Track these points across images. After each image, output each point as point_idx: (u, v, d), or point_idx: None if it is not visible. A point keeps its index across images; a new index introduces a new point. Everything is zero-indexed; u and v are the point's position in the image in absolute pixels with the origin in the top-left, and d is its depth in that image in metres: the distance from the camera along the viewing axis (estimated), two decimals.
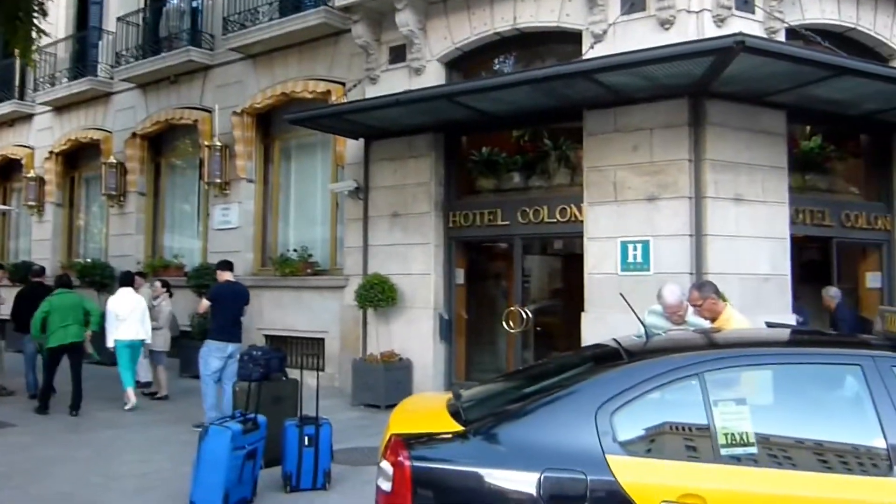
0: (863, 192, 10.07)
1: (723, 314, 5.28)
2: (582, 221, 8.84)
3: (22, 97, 17.39)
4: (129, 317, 9.78)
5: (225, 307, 8.38)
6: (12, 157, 17.46)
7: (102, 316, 9.79)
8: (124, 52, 14.49)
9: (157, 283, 11.17)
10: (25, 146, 17.30)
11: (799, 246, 9.06)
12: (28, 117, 17.36)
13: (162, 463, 6.88)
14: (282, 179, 12.69)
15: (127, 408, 9.53)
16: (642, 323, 5.32)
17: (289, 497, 5.87)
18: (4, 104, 17.43)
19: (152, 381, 10.72)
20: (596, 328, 8.50)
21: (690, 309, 5.53)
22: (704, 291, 5.34)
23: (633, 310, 4.30)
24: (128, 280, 10.30)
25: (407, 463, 3.01)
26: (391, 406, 9.51)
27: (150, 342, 10.11)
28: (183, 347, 12.08)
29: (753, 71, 7.28)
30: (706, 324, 5.42)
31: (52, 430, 8.27)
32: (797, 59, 6.77)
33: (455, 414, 3.38)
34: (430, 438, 3.18)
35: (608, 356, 3.67)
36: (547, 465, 2.90)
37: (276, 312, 11.93)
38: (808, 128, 9.41)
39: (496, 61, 10.20)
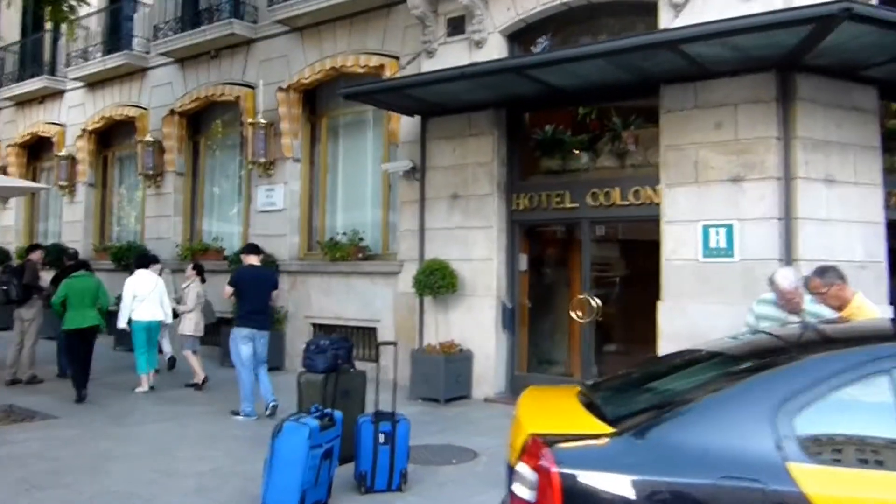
0: None
1: (852, 302, 5.17)
2: (658, 204, 8.81)
3: (53, 73, 17.67)
4: (147, 297, 10.18)
5: (249, 292, 8.57)
6: (43, 134, 17.79)
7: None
8: (162, 25, 14.66)
9: (189, 267, 11.37)
10: (56, 123, 17.62)
11: (892, 231, 8.92)
12: (59, 94, 17.65)
13: (219, 459, 6.97)
14: (329, 159, 12.78)
15: (137, 390, 10.04)
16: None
17: (364, 498, 5.88)
18: (34, 80, 17.76)
19: (173, 354, 11.27)
20: (674, 318, 8.51)
21: (807, 296, 5.43)
22: (828, 277, 5.25)
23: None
24: (146, 261, 10.77)
25: (554, 469, 2.90)
26: (451, 400, 9.81)
27: (169, 322, 10.56)
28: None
29: (851, 42, 7.17)
30: (828, 312, 5.32)
31: (98, 423, 8.42)
32: None
33: (594, 411, 3.35)
34: (577, 440, 3.09)
35: (770, 350, 3.57)
36: (721, 473, 2.79)
37: (324, 300, 12.06)
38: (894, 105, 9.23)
39: (561, 34, 10.13)
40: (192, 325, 10.67)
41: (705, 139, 8.40)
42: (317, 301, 12.12)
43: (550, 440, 3.04)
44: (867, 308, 5.19)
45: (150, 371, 10.33)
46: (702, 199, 8.43)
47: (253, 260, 8.93)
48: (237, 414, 8.66)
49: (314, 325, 12.20)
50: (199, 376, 10.56)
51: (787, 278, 5.46)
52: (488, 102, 9.90)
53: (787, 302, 5.43)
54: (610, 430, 3.07)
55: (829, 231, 8.16)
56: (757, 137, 8.11)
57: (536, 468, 2.95)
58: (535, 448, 3.02)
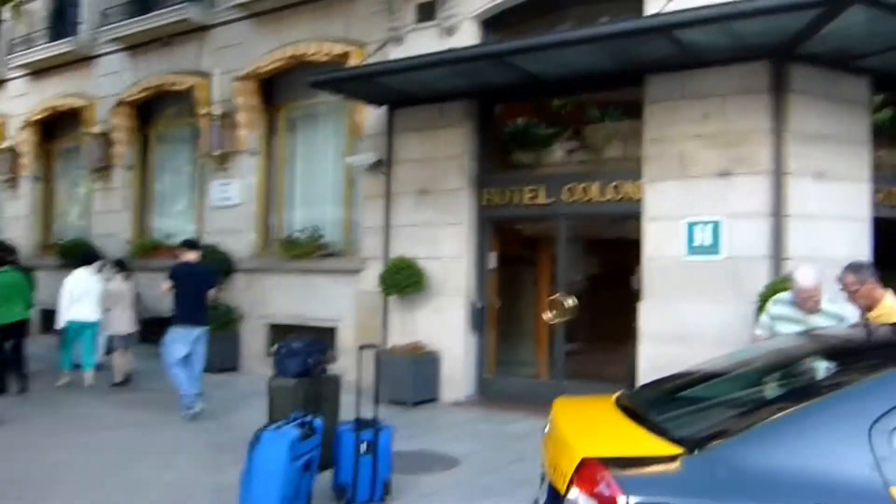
0: None
1: (883, 302, 4.68)
2: (639, 200, 8.22)
3: None
4: (83, 296, 9.75)
5: (187, 289, 8.21)
6: None
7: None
8: (110, 11, 13.65)
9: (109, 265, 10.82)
10: None
11: (877, 229, 8.46)
12: (0, 83, 16.41)
13: (186, 471, 6.21)
14: (288, 152, 11.95)
15: (58, 384, 9.75)
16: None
17: None
18: None
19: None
20: (656, 319, 7.95)
21: (825, 295, 4.91)
22: (862, 274, 4.75)
23: None
24: (84, 260, 10.37)
25: (621, 498, 2.33)
26: (419, 403, 9.09)
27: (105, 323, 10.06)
28: None
29: (852, 29, 6.66)
30: (849, 313, 4.84)
31: (52, 430, 7.60)
32: None
33: (651, 428, 2.74)
34: (643, 465, 2.50)
35: (844, 355, 2.98)
36: (813, 499, 2.28)
37: (281, 299, 11.23)
38: (883, 97, 8.75)
39: (538, 21, 9.47)
40: (116, 322, 10.11)
41: (692, 131, 7.84)
42: (274, 300, 11.27)
43: (611, 464, 2.47)
44: None
45: (90, 370, 9.92)
46: (687, 195, 7.86)
47: (190, 256, 8.53)
48: (191, 409, 8.15)
49: (271, 325, 11.37)
50: (119, 376, 10.07)
51: (807, 276, 4.94)
52: (461, 92, 9.20)
53: (806, 301, 4.93)
54: (678, 450, 2.50)
55: (817, 228, 7.67)
56: (747, 130, 7.57)
57: (596, 496, 2.40)
58: (593, 473, 2.45)
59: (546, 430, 3.32)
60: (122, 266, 10.66)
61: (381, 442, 5.30)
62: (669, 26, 6.71)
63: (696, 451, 2.44)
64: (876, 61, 7.63)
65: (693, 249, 7.81)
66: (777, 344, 3.55)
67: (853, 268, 4.92)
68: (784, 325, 5.05)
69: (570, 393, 8.66)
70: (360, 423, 5.35)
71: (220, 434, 7.41)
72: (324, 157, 11.55)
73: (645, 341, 8.03)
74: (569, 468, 2.56)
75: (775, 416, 2.49)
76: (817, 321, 4.90)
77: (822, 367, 2.96)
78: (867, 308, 4.82)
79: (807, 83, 7.61)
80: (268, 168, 12.03)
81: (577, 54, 7.61)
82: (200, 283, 8.41)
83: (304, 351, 6.04)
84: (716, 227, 7.69)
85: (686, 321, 7.79)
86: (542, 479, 3.35)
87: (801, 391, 2.74)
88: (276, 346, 6.42)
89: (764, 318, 5.33)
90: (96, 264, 10.58)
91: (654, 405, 3.09)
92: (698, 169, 7.80)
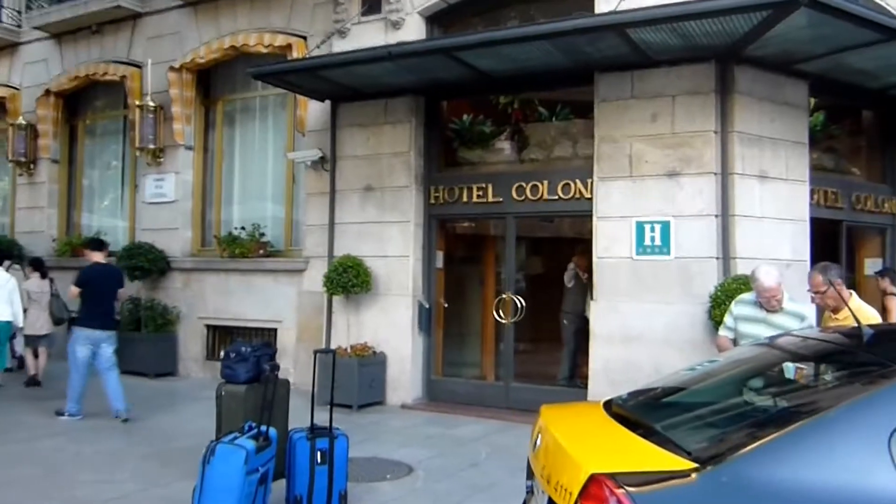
0: (868, 172, 9.80)
1: (850, 303, 4.72)
2: (589, 199, 8.23)
3: None
4: None
5: (95, 292, 8.01)
6: None
7: None
8: None
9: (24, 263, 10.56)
10: None
11: (814, 229, 8.68)
12: None
13: (126, 484, 5.89)
14: (226, 147, 11.61)
15: None
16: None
17: None
18: None
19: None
20: (607, 318, 7.97)
21: (786, 294, 4.98)
22: (830, 275, 4.79)
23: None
24: None
25: None
26: (365, 406, 8.92)
27: (20, 323, 9.62)
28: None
29: (797, 32, 6.77)
30: (809, 312, 4.92)
31: None
32: (860, 20, 6.25)
33: (658, 440, 2.64)
34: (656, 481, 2.38)
35: (848, 359, 2.95)
36: None
37: (220, 299, 10.92)
38: (816, 101, 8.92)
39: (484, 18, 9.41)
40: (32, 323, 9.83)
41: (641, 131, 7.88)
42: (213, 301, 10.95)
43: (622, 481, 2.36)
44: (866, 311, 4.74)
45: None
46: (637, 195, 7.90)
47: (98, 257, 8.31)
48: (61, 414, 7.96)
49: (209, 326, 11.05)
50: (29, 373, 9.85)
51: (770, 275, 5.00)
52: (407, 88, 9.06)
53: (769, 300, 4.99)
54: (690, 465, 2.39)
55: (761, 229, 7.81)
56: (695, 131, 7.66)
57: None
58: (603, 490, 2.34)
59: (536, 440, 3.20)
60: (38, 265, 10.28)
61: (337, 451, 5.12)
62: (623, 24, 6.71)
63: (709, 466, 2.34)
64: (815, 66, 7.80)
65: (642, 249, 7.86)
66: (766, 347, 3.50)
67: (821, 269, 4.98)
68: (748, 325, 5.12)
69: (518, 395, 8.72)
70: (314, 431, 5.16)
71: (160, 444, 7.10)
72: (264, 152, 11.26)
73: (597, 341, 8.06)
74: (573, 484, 2.46)
75: (792, 428, 2.41)
76: (780, 320, 4.98)
77: (824, 372, 2.93)
78: (834, 310, 4.89)
79: (751, 85, 7.73)
80: (205, 163, 11.68)
81: (529, 51, 7.55)
82: (108, 285, 8.17)
83: (254, 355, 5.82)
84: (665, 227, 7.75)
85: (635, 321, 7.85)
86: (530, 492, 3.25)
87: (814, 400, 2.67)
88: (224, 351, 6.19)
89: (727, 318, 5.38)
90: (5, 263, 10.21)
91: (653, 414, 3.02)
92: (648, 169, 7.85)
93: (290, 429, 5.48)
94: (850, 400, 2.48)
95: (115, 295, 8.29)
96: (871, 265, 9.67)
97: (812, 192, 8.42)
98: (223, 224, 11.43)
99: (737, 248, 7.57)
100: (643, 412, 3.10)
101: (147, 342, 10.79)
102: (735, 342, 5.22)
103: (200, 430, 6.59)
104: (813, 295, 4.99)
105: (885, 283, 8.11)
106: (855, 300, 4.91)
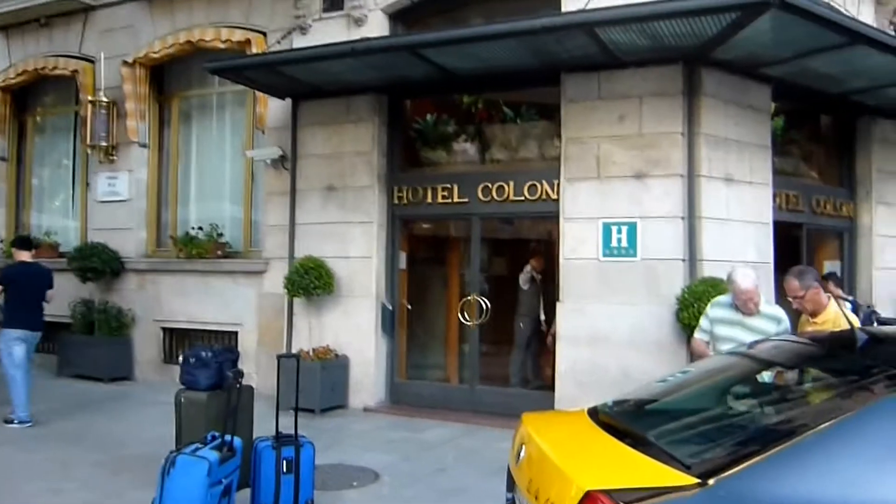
0: (828, 176, 9.96)
1: (829, 307, 4.74)
2: (556, 200, 8.18)
3: None
4: None
5: (21, 291, 7.83)
6: None
7: None
8: None
9: None
10: None
11: (776, 232, 8.77)
12: None
13: (77, 493, 5.67)
14: (182, 145, 11.33)
15: None
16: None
17: None
18: None
19: None
20: (574, 321, 7.94)
21: (762, 297, 4.97)
22: (806, 280, 4.81)
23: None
24: None
25: None
26: (327, 410, 8.76)
27: None
28: (64, 343, 10.65)
29: (764, 35, 6.78)
30: (784, 314, 4.92)
31: None
32: (827, 22, 6.28)
33: (652, 452, 2.54)
34: (655, 497, 2.25)
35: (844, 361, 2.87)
36: None
37: (177, 302, 10.65)
38: (777, 105, 8.99)
39: (448, 16, 9.31)
40: None
41: (609, 132, 7.85)
42: (168, 303, 10.68)
43: (620, 498, 2.24)
44: (842, 314, 4.74)
45: None
46: (604, 196, 7.87)
47: (24, 256, 8.16)
48: (10, 422, 7.73)
49: (165, 329, 10.78)
50: None
51: (747, 277, 4.98)
52: (370, 86, 8.92)
53: (746, 303, 4.96)
54: (690, 480, 2.28)
55: (727, 231, 7.85)
56: (662, 132, 7.65)
57: None
58: None
59: (519, 450, 3.08)
60: None
61: (303, 459, 5.00)
62: (592, 23, 6.65)
63: (711, 481, 2.24)
64: (780, 70, 7.86)
65: (609, 251, 7.84)
66: (756, 349, 3.44)
67: (797, 273, 4.98)
68: (724, 328, 5.10)
69: (483, 398, 8.64)
70: (280, 440, 5.01)
71: (114, 451, 6.86)
72: (222, 150, 11.01)
73: (563, 343, 8.02)
74: (565, 500, 2.35)
75: (798, 439, 2.30)
76: (756, 323, 4.97)
77: (823, 378, 2.86)
78: (812, 313, 4.89)
79: (717, 88, 7.76)
80: (160, 161, 11.39)
81: (496, 50, 7.47)
82: (36, 285, 7.98)
83: (216, 360, 5.62)
84: (632, 228, 7.73)
85: (601, 323, 7.82)
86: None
87: (814, 411, 2.58)
88: (183, 356, 5.98)
89: (703, 321, 5.34)
90: None
91: (644, 423, 2.92)
92: (615, 170, 7.82)
93: (255, 437, 5.31)
94: (852, 411, 2.39)
95: (44, 295, 8.06)
96: (830, 267, 9.84)
97: (774, 196, 8.49)
98: (179, 224, 11.16)
99: (703, 251, 7.58)
100: (633, 421, 3.02)
101: (101, 345, 10.48)
102: (711, 345, 5.19)
103: (157, 438, 6.39)
104: (791, 299, 4.99)
105: (831, 287, 8.22)
106: (834, 304, 4.93)
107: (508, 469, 3.33)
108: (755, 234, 8.10)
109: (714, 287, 7.14)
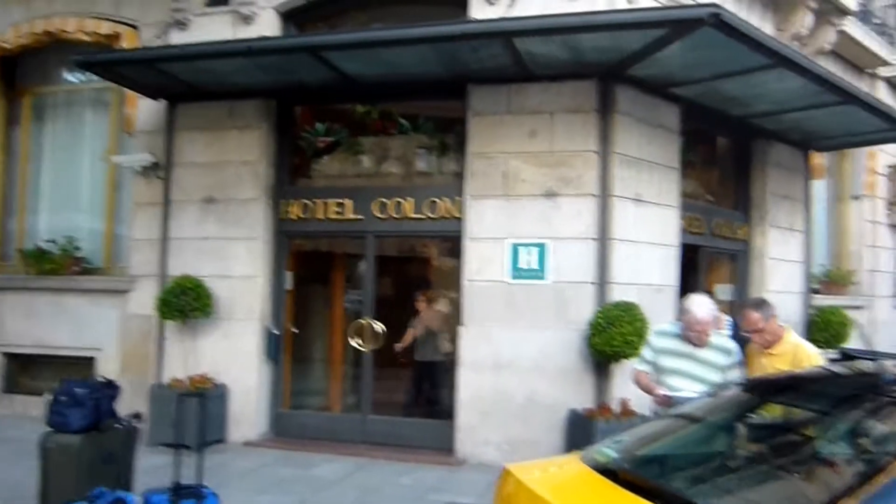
0: (724, 198, 10.29)
1: (785, 337, 4.71)
2: (459, 218, 8.04)
3: None
4: None
5: None
6: None
7: None
8: None
9: None
10: None
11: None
12: None
13: None
14: (34, 147, 10.45)
15: None
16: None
17: None
18: None
19: None
20: (477, 345, 7.81)
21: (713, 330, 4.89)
22: (765, 311, 4.76)
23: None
24: None
25: None
26: (208, 444, 8.14)
27: None
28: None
29: (686, 54, 6.87)
30: (734, 346, 4.85)
31: None
32: (758, 45, 6.42)
33: None
34: None
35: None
36: None
37: (22, 323, 9.76)
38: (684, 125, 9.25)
39: (346, 18, 9.02)
40: None
41: (518, 148, 7.79)
42: (13, 324, 9.77)
43: None
44: (806, 347, 4.78)
45: None
46: (511, 215, 7.78)
47: None
48: None
49: (8, 354, 9.85)
50: None
51: (704, 306, 4.85)
52: (258, 90, 8.51)
53: (699, 334, 4.82)
54: None
55: (636, 253, 7.94)
56: (575, 150, 7.65)
57: None
58: None
59: None
60: None
61: None
62: (511, 33, 6.55)
63: None
64: (689, 90, 8.06)
65: (518, 272, 7.74)
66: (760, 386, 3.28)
67: (756, 305, 4.95)
68: (670, 360, 4.96)
69: (376, 428, 8.30)
70: (178, 492, 4.49)
71: None
72: (80, 155, 10.21)
73: (465, 369, 7.83)
74: None
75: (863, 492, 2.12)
76: (707, 355, 4.87)
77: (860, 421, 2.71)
78: (768, 345, 4.85)
79: (630, 106, 7.85)
80: (6, 164, 10.45)
81: (403, 56, 7.28)
82: None
83: (92, 397, 5.03)
84: (542, 249, 7.68)
85: (507, 348, 7.72)
86: None
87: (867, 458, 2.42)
88: (51, 393, 5.31)
89: (645, 352, 5.18)
90: None
91: (659, 472, 2.67)
92: (524, 188, 7.75)
93: (146, 490, 4.76)
94: None
95: None
96: (721, 291, 10.11)
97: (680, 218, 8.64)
98: (28, 235, 10.27)
99: (613, 273, 7.61)
100: (657, 476, 2.73)
101: None
102: (652, 377, 5.06)
103: (11, 492, 5.67)
104: (749, 331, 4.93)
105: None
106: (793, 335, 4.94)
107: None
108: (662, 257, 8.24)
109: (627, 311, 7.18)
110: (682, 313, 4.97)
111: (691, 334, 4.83)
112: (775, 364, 4.73)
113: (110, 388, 5.37)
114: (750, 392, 3.53)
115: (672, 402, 4.61)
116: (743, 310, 5.03)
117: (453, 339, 8.10)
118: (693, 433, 3.18)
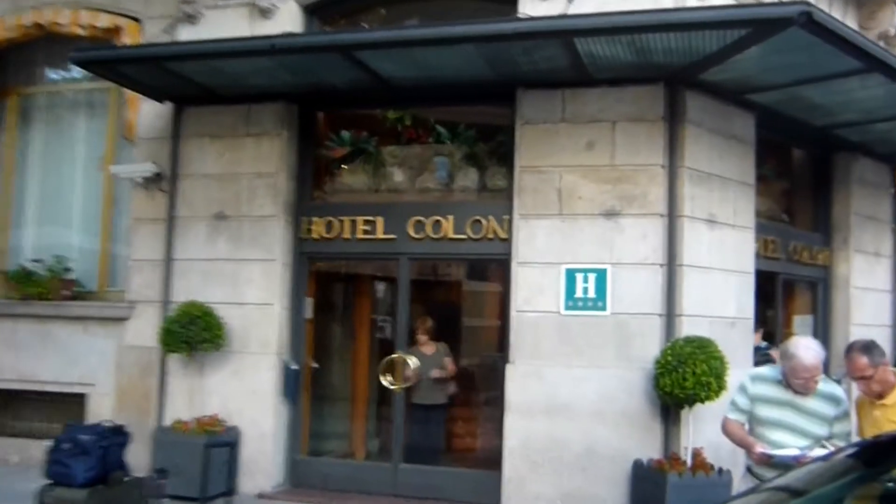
0: (802, 219, 10.32)
1: None
2: (505, 240, 8.13)
3: None
4: None
5: None
6: None
7: None
8: None
9: None
10: None
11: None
12: None
13: None
14: (20, 154, 10.65)
15: None
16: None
17: None
18: None
19: None
20: (527, 384, 7.87)
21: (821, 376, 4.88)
22: (875, 356, 4.74)
23: None
24: None
25: None
26: (213, 498, 8.23)
27: None
28: None
29: (767, 56, 6.93)
30: (842, 393, 4.85)
31: None
32: (852, 47, 6.47)
33: None
34: None
35: None
36: None
37: (5, 355, 9.91)
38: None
39: (374, 14, 9.17)
40: None
41: (574, 161, 7.87)
42: None
43: None
44: None
45: None
46: (567, 237, 7.86)
47: None
48: None
49: None
50: None
51: (811, 349, 4.82)
52: (279, 92, 8.65)
53: (805, 381, 4.80)
54: None
55: (708, 281, 7.96)
56: (640, 164, 7.73)
57: None
58: None
59: None
60: None
61: None
62: (572, 32, 6.64)
63: None
64: (767, 97, 8.13)
65: (573, 303, 7.79)
66: None
67: (864, 348, 4.91)
68: (769, 409, 4.95)
69: (409, 479, 8.34)
70: None
71: None
72: (73, 163, 10.39)
73: (512, 414, 7.87)
74: None
75: None
76: (812, 405, 4.86)
77: None
78: (879, 395, 4.84)
79: (701, 114, 7.92)
80: None
81: (448, 56, 7.40)
82: None
83: (100, 446, 5.05)
84: (601, 276, 7.72)
85: (561, 389, 7.75)
86: None
87: None
88: (53, 441, 5.36)
89: (739, 399, 5.16)
90: None
91: None
92: (581, 206, 7.82)
93: None
94: None
95: None
96: (800, 322, 10.12)
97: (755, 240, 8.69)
98: (11, 254, 10.46)
99: (683, 304, 7.63)
100: None
101: None
102: (747, 427, 5.06)
103: None
104: (857, 379, 4.92)
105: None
106: None
107: None
108: (737, 285, 8.27)
109: (701, 348, 7.18)
110: (784, 358, 4.95)
111: (797, 381, 4.82)
112: (891, 417, 4.72)
113: (119, 434, 5.40)
114: (865, 455, 3.51)
115: (772, 461, 4.61)
116: (849, 353, 5.01)
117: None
118: None
